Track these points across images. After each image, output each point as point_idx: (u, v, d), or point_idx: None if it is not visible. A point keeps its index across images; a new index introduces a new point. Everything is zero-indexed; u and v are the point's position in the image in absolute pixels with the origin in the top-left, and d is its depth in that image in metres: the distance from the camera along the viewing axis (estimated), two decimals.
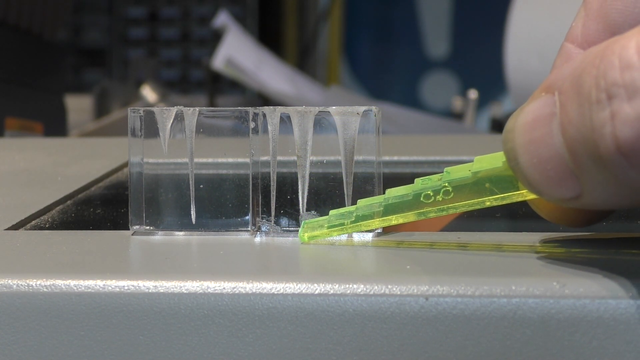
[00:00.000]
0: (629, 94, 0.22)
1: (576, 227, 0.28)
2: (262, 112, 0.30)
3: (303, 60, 1.79)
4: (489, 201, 0.27)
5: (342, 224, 0.29)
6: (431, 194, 0.28)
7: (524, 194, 0.27)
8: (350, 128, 0.30)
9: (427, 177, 0.28)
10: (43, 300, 0.25)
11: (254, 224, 0.30)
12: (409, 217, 0.28)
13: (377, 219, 0.29)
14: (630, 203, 0.24)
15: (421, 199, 0.28)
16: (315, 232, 0.29)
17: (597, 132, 0.22)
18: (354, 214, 0.29)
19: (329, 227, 0.29)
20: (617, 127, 0.22)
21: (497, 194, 0.27)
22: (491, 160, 0.27)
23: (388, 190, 0.29)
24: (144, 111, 0.31)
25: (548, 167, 0.24)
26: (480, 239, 0.30)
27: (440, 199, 0.28)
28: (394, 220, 0.28)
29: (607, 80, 0.22)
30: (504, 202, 0.27)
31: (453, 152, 0.48)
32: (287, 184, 0.30)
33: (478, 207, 0.27)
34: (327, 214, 0.29)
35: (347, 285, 0.24)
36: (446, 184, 0.27)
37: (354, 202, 0.30)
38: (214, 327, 0.24)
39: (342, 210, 0.29)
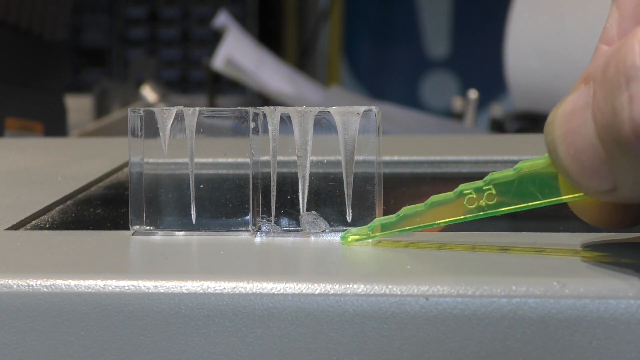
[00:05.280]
0: None
1: (620, 228, 0.27)
2: (262, 112, 0.30)
3: (303, 60, 1.79)
4: (534, 204, 0.26)
5: (385, 227, 0.29)
6: (474, 197, 0.27)
7: (564, 197, 0.26)
8: (351, 128, 0.30)
9: (471, 182, 0.28)
10: (43, 300, 0.25)
11: (254, 224, 0.30)
12: (451, 221, 0.28)
13: (418, 224, 0.28)
14: None
15: (464, 202, 0.27)
16: (359, 235, 0.29)
17: (617, 116, 0.22)
18: (396, 218, 0.29)
19: (370, 230, 0.29)
20: (634, 110, 0.22)
21: (540, 197, 0.26)
22: (534, 159, 0.26)
23: (432, 197, 0.28)
24: (144, 111, 0.31)
25: (583, 157, 0.24)
26: (480, 239, 0.30)
27: (484, 204, 0.27)
28: (436, 223, 0.28)
29: (626, 63, 0.22)
30: (548, 204, 0.26)
31: (453, 152, 0.48)
32: (287, 184, 0.30)
33: (522, 209, 0.27)
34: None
35: (347, 285, 0.24)
36: (489, 187, 0.27)
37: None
38: (214, 327, 0.24)
39: (385, 217, 0.29)
